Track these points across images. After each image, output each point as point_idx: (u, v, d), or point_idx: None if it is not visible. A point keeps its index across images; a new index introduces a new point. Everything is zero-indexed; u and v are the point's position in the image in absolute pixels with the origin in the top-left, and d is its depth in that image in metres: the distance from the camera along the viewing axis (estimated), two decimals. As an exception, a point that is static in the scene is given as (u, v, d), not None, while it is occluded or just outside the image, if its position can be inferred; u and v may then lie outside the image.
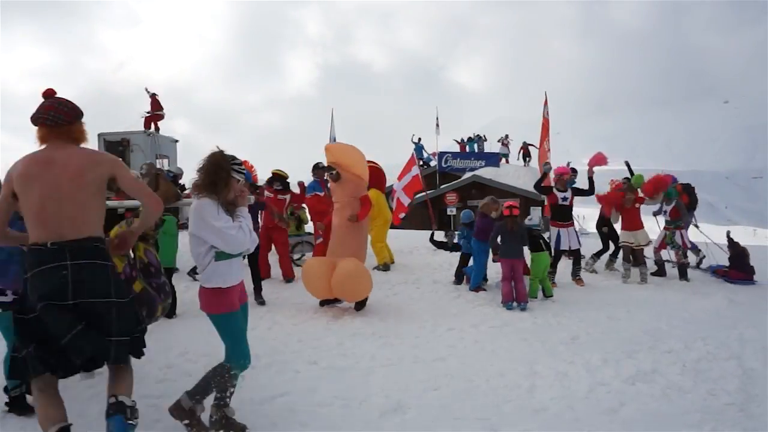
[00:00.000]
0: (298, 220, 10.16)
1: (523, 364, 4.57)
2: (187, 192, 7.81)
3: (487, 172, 23.58)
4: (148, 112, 16.26)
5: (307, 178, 9.19)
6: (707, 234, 9.75)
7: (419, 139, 24.15)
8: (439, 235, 11.86)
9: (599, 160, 8.54)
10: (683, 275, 8.54)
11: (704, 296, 7.38)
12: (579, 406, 3.79)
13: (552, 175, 8.99)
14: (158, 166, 15.07)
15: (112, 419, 2.64)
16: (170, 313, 5.67)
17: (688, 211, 9.03)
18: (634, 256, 8.47)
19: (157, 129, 16.50)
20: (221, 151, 3.12)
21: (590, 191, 8.42)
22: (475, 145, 27.20)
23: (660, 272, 8.89)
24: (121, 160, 3.08)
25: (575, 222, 8.71)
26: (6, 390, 3.45)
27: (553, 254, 8.06)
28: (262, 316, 5.98)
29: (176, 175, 8.84)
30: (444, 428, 3.49)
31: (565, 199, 8.21)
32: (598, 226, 9.48)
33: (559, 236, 8.15)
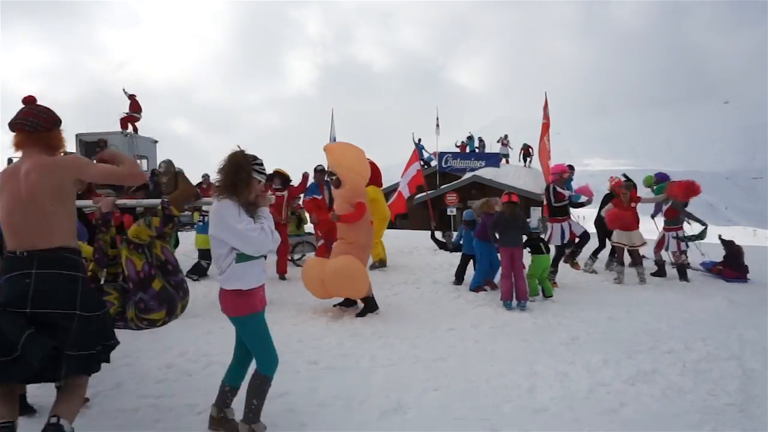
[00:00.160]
0: (298, 219, 10.16)
1: (524, 365, 4.57)
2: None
3: (487, 173, 23.58)
4: (126, 113, 16.35)
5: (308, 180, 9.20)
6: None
7: (419, 140, 24.19)
8: (438, 235, 11.88)
9: (584, 191, 8.81)
10: (683, 276, 8.54)
11: (704, 297, 7.38)
12: (579, 407, 3.79)
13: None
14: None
15: None
16: None
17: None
18: (631, 257, 8.47)
19: (135, 130, 16.65)
20: (242, 151, 3.05)
21: (581, 206, 8.70)
22: (475, 145, 27.25)
23: (660, 272, 8.89)
24: (83, 159, 3.05)
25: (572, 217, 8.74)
26: None
27: (555, 251, 8.11)
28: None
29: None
30: (444, 428, 3.49)
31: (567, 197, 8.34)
32: (597, 225, 9.52)
33: (562, 230, 8.20)
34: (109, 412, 3.58)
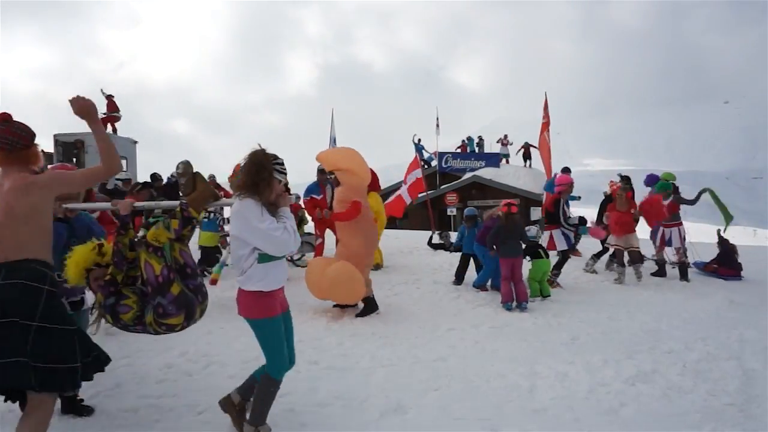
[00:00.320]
0: (298, 219, 10.16)
1: (524, 365, 4.57)
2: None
3: (487, 173, 23.60)
4: (104, 113, 16.37)
5: (309, 180, 9.19)
6: (697, 232, 9.82)
7: (419, 140, 24.19)
8: (436, 237, 11.86)
9: (596, 234, 8.84)
10: (684, 275, 8.54)
11: (704, 297, 7.38)
12: (579, 407, 3.79)
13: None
14: None
15: None
16: None
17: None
18: (630, 256, 8.46)
19: (114, 130, 16.74)
20: (263, 150, 3.02)
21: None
22: (475, 144, 27.27)
23: (660, 272, 8.89)
24: (61, 173, 3.04)
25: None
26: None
27: (560, 256, 8.09)
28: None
29: (125, 181, 8.48)
30: (444, 428, 3.49)
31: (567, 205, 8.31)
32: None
33: (562, 235, 8.16)
34: (109, 412, 3.58)
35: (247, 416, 3.24)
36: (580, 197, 9.44)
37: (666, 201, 8.74)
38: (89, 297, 3.66)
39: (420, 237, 12.60)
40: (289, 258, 9.15)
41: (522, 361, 4.67)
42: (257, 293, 2.99)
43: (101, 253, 3.33)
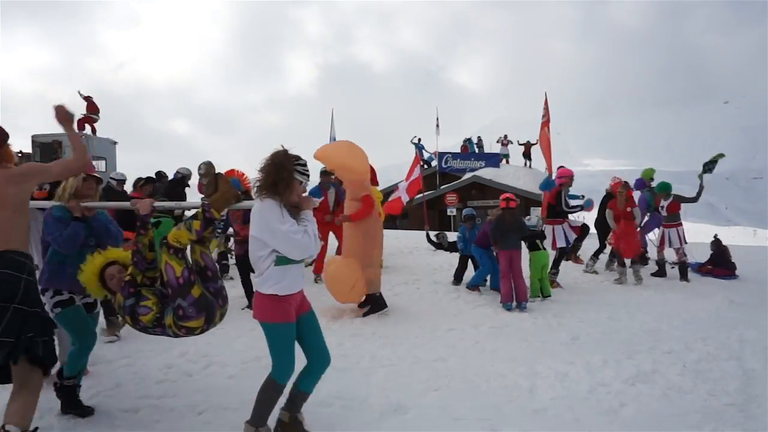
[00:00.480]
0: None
1: (524, 365, 4.57)
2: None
3: (487, 173, 23.57)
4: (83, 114, 16.45)
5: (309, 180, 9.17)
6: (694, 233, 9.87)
7: (419, 140, 24.15)
8: (433, 236, 11.88)
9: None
10: (684, 276, 8.54)
11: (704, 297, 7.38)
12: (579, 407, 3.78)
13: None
14: (94, 168, 15.37)
15: None
16: None
17: (655, 209, 9.10)
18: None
19: (93, 131, 16.86)
20: (285, 151, 2.95)
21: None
22: (475, 145, 27.27)
23: (660, 273, 8.89)
24: (38, 164, 3.24)
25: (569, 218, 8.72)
26: (59, 376, 3.51)
27: (558, 252, 8.09)
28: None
29: (119, 182, 8.46)
30: (444, 428, 3.49)
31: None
32: (597, 226, 9.51)
33: (563, 232, 8.18)
34: (109, 412, 3.57)
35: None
36: (583, 196, 9.44)
37: (666, 201, 8.74)
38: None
39: (420, 237, 12.60)
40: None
41: (522, 361, 4.67)
42: (272, 297, 2.92)
43: (113, 261, 3.33)
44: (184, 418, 3.55)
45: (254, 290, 3.02)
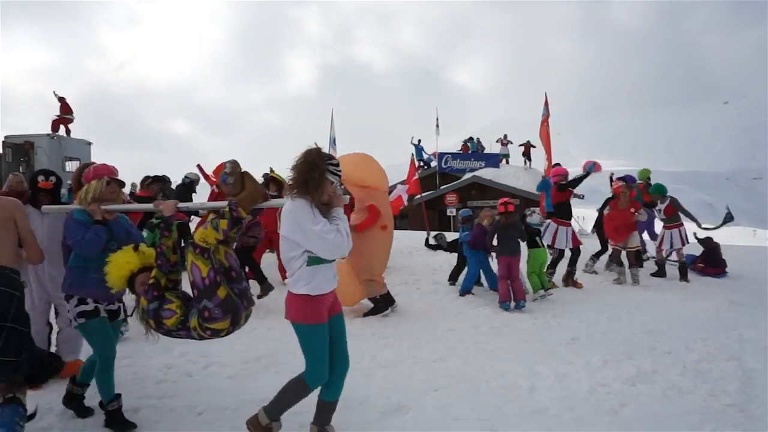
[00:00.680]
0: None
1: (524, 365, 4.57)
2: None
3: (487, 173, 23.57)
4: (57, 115, 16.51)
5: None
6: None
7: (419, 141, 24.12)
8: (431, 238, 11.87)
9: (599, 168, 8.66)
10: (684, 276, 8.54)
11: (704, 297, 7.38)
12: (579, 407, 3.78)
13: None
14: (67, 169, 15.31)
15: None
16: None
17: (650, 208, 9.12)
18: (628, 258, 8.45)
19: (67, 132, 16.88)
20: (318, 149, 2.91)
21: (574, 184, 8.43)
22: (475, 145, 27.30)
23: (660, 273, 8.89)
24: (22, 206, 3.48)
25: (574, 222, 8.73)
26: (102, 405, 3.45)
27: (557, 253, 8.07)
28: (262, 317, 5.97)
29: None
30: (444, 429, 3.49)
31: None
32: (597, 227, 9.52)
33: (566, 234, 8.16)
34: (109, 413, 3.57)
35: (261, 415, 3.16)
36: (583, 196, 9.45)
37: (663, 204, 8.75)
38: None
39: (420, 238, 12.59)
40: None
41: (522, 361, 4.67)
42: (304, 297, 2.89)
43: (140, 253, 3.31)
44: (183, 418, 3.55)
45: (287, 291, 2.98)
